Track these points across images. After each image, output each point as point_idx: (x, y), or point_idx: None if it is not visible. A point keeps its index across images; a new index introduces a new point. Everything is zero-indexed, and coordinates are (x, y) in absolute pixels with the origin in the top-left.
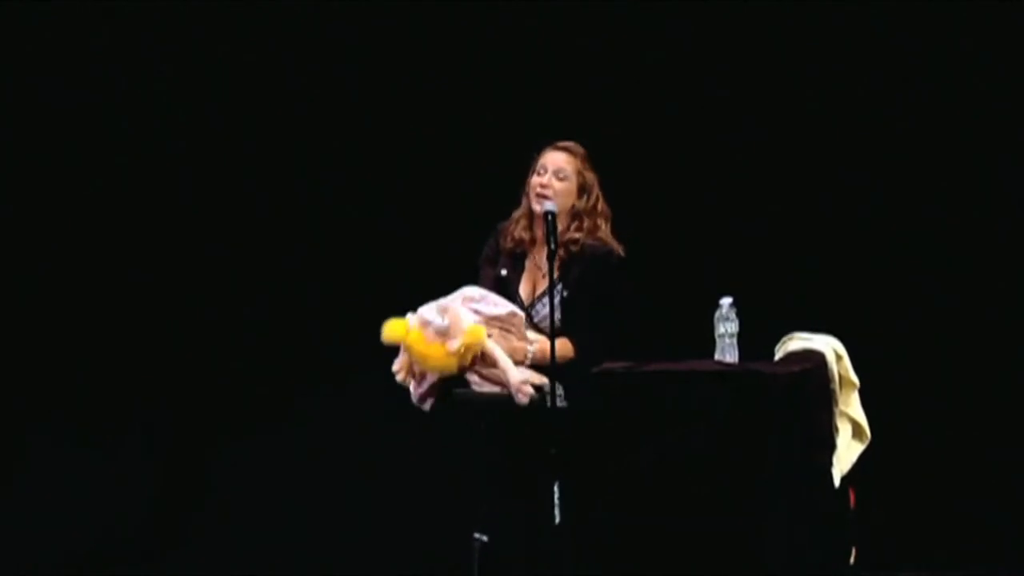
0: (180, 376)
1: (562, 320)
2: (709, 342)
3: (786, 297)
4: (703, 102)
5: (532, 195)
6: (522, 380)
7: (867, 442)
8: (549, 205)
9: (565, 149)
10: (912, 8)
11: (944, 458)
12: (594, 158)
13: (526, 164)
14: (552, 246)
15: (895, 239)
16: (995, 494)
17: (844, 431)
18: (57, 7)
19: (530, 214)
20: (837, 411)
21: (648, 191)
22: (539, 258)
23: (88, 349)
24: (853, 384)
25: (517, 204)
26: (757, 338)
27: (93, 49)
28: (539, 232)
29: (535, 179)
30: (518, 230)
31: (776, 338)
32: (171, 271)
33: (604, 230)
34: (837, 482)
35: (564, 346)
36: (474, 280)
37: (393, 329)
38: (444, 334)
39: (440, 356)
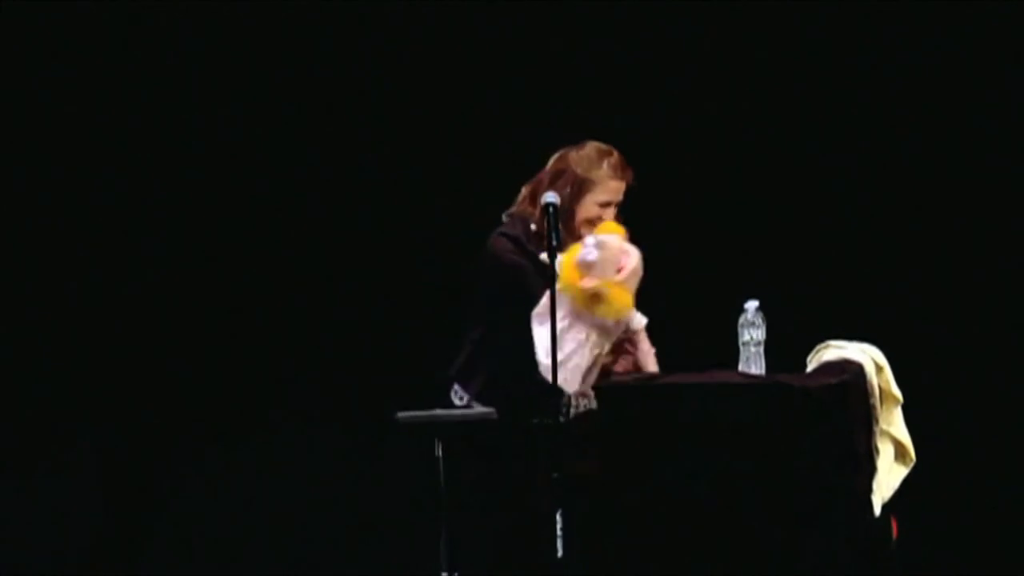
0: (134, 393)
1: None
2: (733, 351)
3: (820, 301)
4: (720, 100)
5: (585, 223)
6: None
7: (911, 465)
8: (550, 197)
9: (630, 179)
10: (924, 9)
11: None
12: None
13: (521, 169)
14: (554, 242)
15: (938, 239)
16: None
17: (885, 452)
18: (57, 7)
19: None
20: (878, 430)
21: (668, 189)
22: None
23: (46, 360)
24: (896, 399)
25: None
26: (787, 347)
27: (93, 49)
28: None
29: (597, 210)
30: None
31: (808, 347)
32: (144, 281)
33: None
34: (878, 510)
35: None
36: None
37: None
38: (588, 268)
39: (571, 283)
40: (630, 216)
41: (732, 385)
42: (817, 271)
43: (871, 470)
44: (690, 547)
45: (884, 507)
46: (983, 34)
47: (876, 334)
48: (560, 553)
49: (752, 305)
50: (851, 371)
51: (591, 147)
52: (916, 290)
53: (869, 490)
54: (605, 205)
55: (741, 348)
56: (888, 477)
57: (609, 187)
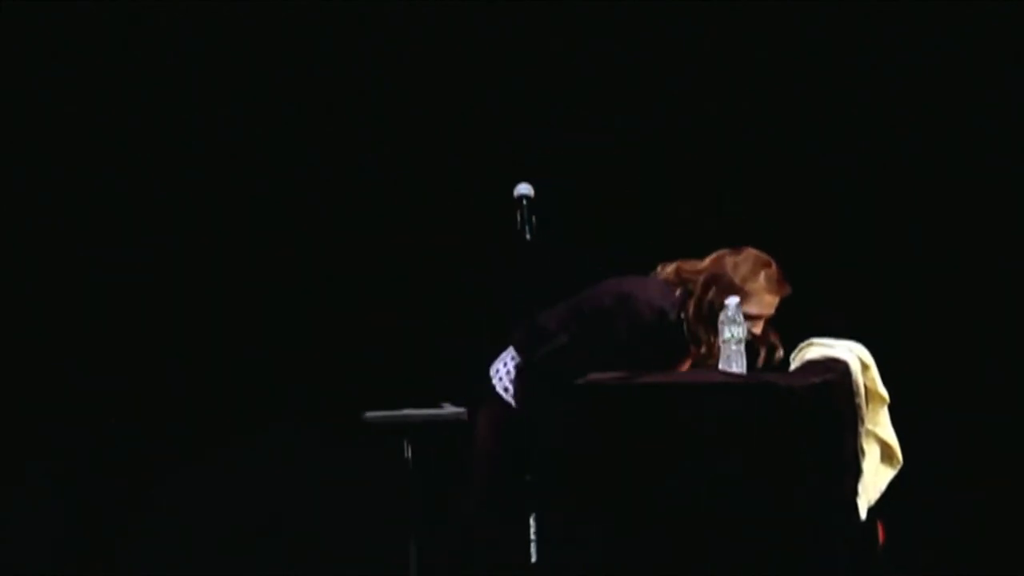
0: (105, 396)
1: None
2: None
3: (803, 297)
4: (720, 100)
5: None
6: None
7: (899, 467)
8: (523, 189)
9: (787, 293)
10: (924, 9)
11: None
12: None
13: (520, 169)
14: (528, 235)
15: (928, 237)
16: None
17: (871, 454)
18: (57, 7)
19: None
20: (863, 430)
21: (662, 188)
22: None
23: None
24: (882, 399)
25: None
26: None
27: (93, 49)
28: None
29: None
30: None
31: (792, 344)
32: (120, 283)
33: None
34: (863, 513)
35: None
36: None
37: None
38: None
39: None
40: (621, 218)
41: (714, 384)
42: (800, 266)
43: (856, 472)
44: (668, 547)
45: (870, 511)
46: (983, 34)
47: (862, 332)
48: (534, 558)
49: (733, 302)
50: (836, 370)
51: (750, 255)
52: (903, 287)
53: (855, 492)
54: (754, 318)
55: (722, 346)
56: (874, 479)
57: (763, 301)
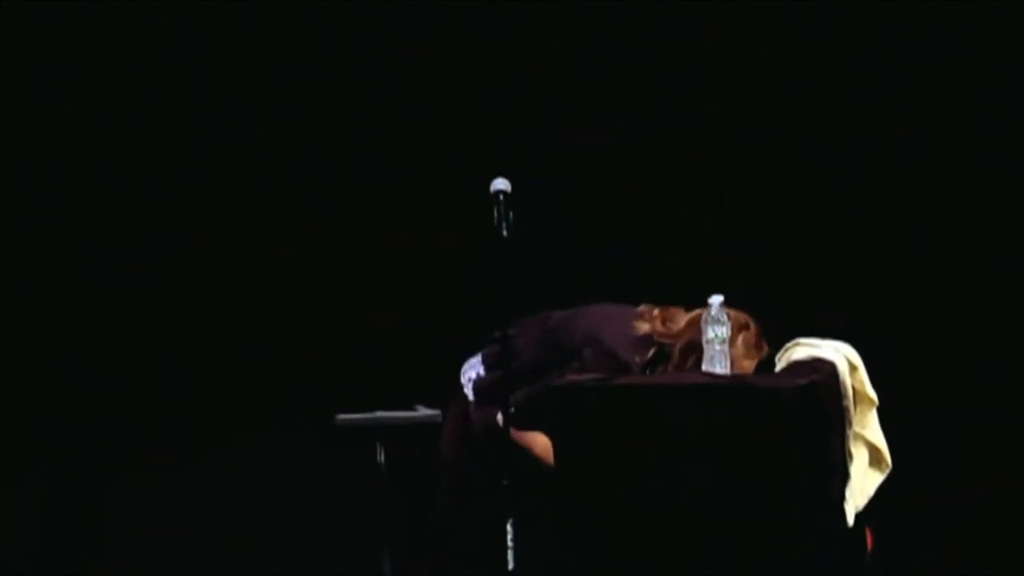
0: (78, 401)
1: None
2: None
3: (789, 295)
4: (720, 100)
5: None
6: None
7: (887, 471)
8: (500, 184)
9: (764, 356)
10: (924, 9)
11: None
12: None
13: (518, 169)
14: (504, 232)
15: (919, 235)
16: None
17: (859, 457)
18: (57, 7)
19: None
20: (851, 433)
21: (637, 180)
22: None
23: None
24: (871, 401)
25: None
26: None
27: (93, 49)
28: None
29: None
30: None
31: (777, 345)
32: (97, 285)
33: None
34: (851, 519)
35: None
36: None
37: None
38: None
39: None
40: (606, 213)
41: (697, 385)
42: (800, 266)
43: (844, 476)
44: (651, 550)
45: (858, 516)
46: (983, 34)
47: (861, 332)
48: (511, 565)
49: (716, 300)
50: (823, 371)
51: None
52: (903, 287)
53: (842, 498)
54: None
55: (705, 346)
56: (862, 484)
57: (741, 366)
